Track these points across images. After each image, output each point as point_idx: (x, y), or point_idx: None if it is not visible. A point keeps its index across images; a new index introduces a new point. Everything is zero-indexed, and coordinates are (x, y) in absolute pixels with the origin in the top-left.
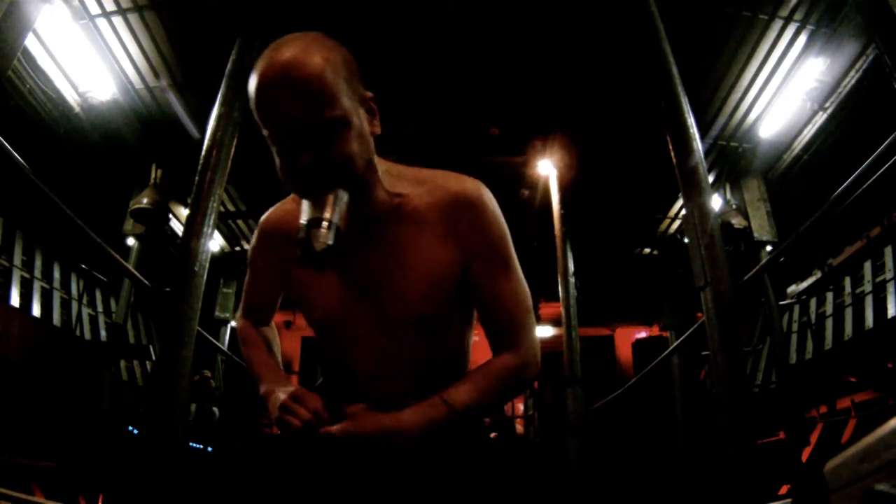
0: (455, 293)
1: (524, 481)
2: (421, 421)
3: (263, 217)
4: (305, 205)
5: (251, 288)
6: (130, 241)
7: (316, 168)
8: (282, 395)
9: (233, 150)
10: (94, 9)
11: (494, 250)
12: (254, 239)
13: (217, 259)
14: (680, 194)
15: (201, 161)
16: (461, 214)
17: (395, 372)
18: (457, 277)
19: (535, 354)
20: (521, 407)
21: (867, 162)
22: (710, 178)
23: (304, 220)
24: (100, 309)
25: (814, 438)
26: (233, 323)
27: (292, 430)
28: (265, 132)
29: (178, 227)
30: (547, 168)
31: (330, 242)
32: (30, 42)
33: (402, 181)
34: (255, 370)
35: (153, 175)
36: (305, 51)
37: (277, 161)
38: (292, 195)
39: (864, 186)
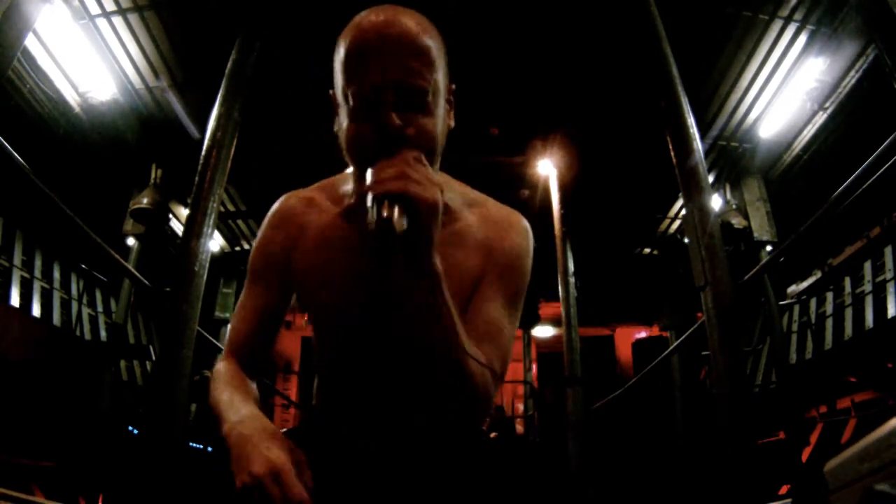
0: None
1: (524, 481)
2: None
3: (278, 203)
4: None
5: (251, 304)
6: (130, 241)
7: (402, 134)
8: (256, 447)
9: (233, 150)
10: (94, 9)
11: (509, 277)
12: (265, 228)
13: (217, 259)
14: (680, 194)
15: (201, 161)
16: (499, 233)
17: (390, 375)
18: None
19: (488, 390)
20: (521, 407)
21: (867, 162)
22: (710, 178)
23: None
24: (100, 309)
25: (814, 438)
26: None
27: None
28: (346, 89)
29: (178, 227)
30: (547, 168)
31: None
32: (30, 42)
33: (453, 194)
34: (221, 408)
35: (153, 175)
36: (416, 15)
37: (347, 124)
38: (314, 185)
39: (864, 186)
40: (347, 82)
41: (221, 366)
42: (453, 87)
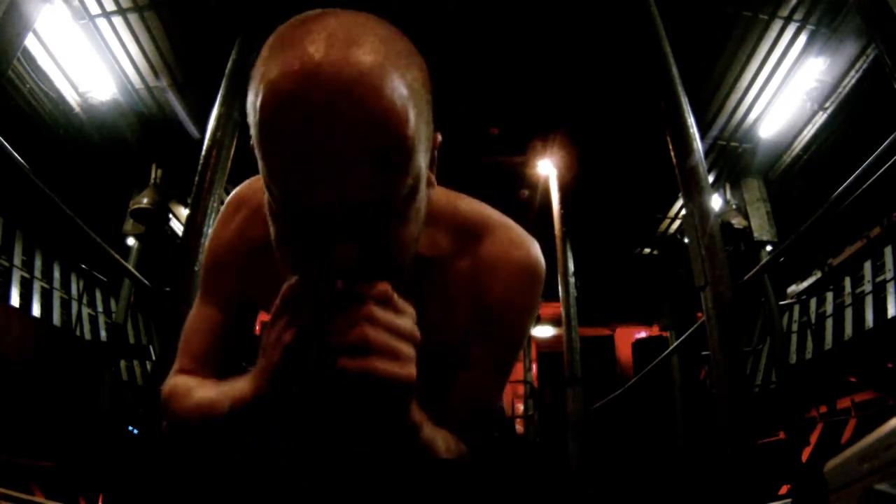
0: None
1: (524, 481)
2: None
3: (232, 193)
4: None
5: (206, 315)
6: (130, 241)
7: (357, 267)
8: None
9: (233, 150)
10: (94, 9)
11: (503, 339)
12: (222, 230)
13: None
14: (680, 194)
15: (201, 161)
16: (498, 284)
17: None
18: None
19: (461, 452)
20: (520, 407)
21: (867, 162)
22: (710, 178)
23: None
24: (100, 309)
25: (814, 438)
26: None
27: (288, 350)
28: (267, 182)
29: (178, 227)
30: (547, 168)
31: None
32: (30, 42)
33: (437, 228)
34: (204, 408)
35: (153, 175)
36: (380, 41)
37: (273, 232)
38: None
39: (864, 186)
40: (271, 179)
41: (177, 380)
42: (439, 137)
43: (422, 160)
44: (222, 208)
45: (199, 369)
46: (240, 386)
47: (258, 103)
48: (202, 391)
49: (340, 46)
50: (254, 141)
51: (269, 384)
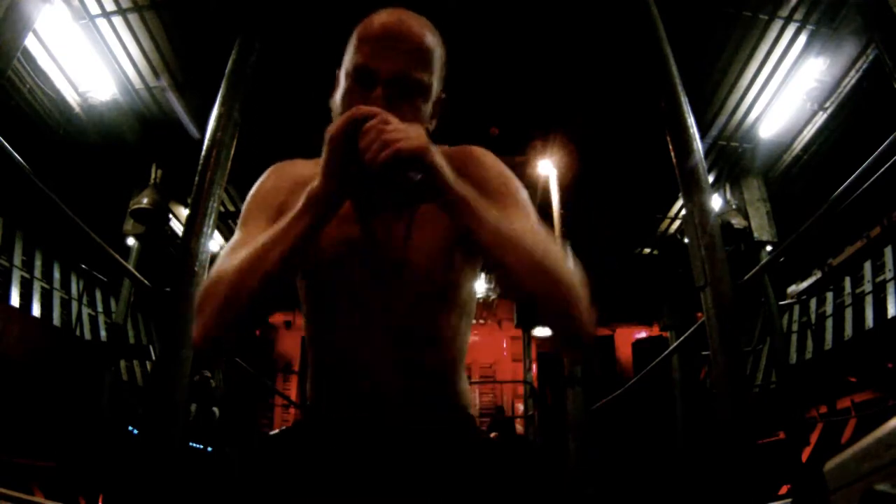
0: (460, 263)
1: (524, 481)
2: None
3: (278, 163)
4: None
5: (251, 236)
6: (130, 241)
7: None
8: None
9: (233, 150)
10: (94, 9)
11: (508, 192)
12: (263, 178)
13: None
14: (680, 194)
15: (201, 161)
16: (469, 164)
17: (390, 360)
18: (460, 241)
19: (570, 265)
20: (520, 407)
21: (867, 162)
22: (710, 178)
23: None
24: (100, 309)
25: (814, 438)
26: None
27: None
28: (350, 68)
29: (178, 227)
30: (547, 168)
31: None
32: (30, 42)
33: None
34: (261, 242)
35: (153, 175)
36: (425, 21)
37: (342, 93)
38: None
39: (864, 186)
40: (353, 63)
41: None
42: (444, 96)
43: (434, 83)
44: (265, 172)
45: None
46: (307, 193)
47: (359, 31)
48: (255, 242)
49: (403, 16)
50: (347, 56)
51: (331, 174)
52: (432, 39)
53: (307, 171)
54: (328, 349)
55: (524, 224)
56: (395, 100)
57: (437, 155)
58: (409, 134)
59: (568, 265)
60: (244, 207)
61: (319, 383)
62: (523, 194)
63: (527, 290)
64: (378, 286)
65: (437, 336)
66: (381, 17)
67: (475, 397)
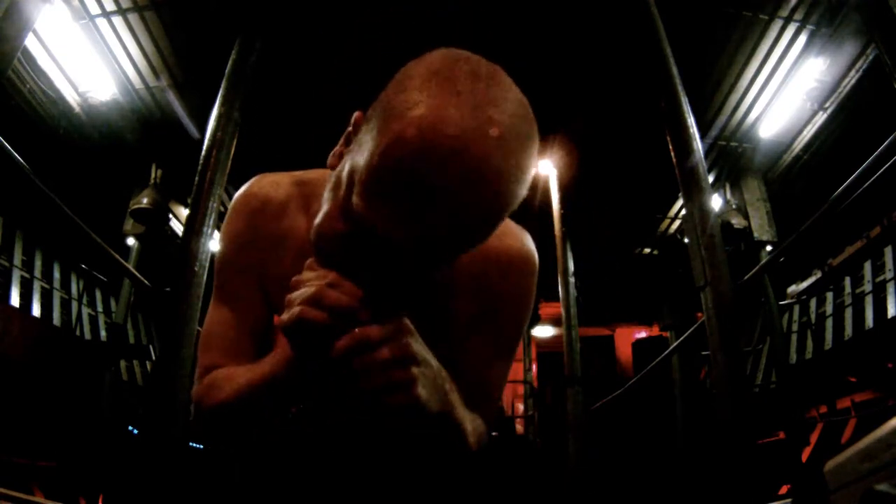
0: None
1: (524, 481)
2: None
3: (249, 192)
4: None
5: (227, 313)
6: (130, 241)
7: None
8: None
9: (233, 150)
10: (94, 9)
11: (507, 325)
12: (234, 220)
13: None
14: (680, 194)
15: (201, 161)
16: (494, 275)
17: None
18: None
19: (481, 443)
20: (520, 407)
21: (867, 162)
22: (710, 178)
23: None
24: (100, 309)
25: (814, 438)
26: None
27: (313, 328)
28: (382, 154)
29: (178, 227)
30: (547, 168)
31: None
32: (30, 42)
33: None
34: (246, 384)
35: (153, 175)
36: (534, 138)
37: (359, 202)
38: (295, 176)
39: (864, 186)
40: (381, 209)
41: (215, 374)
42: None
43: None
44: (230, 207)
45: (229, 362)
46: (268, 362)
47: (389, 149)
48: (241, 374)
49: (482, 122)
50: (365, 174)
51: (287, 368)
52: (525, 183)
53: (291, 223)
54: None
55: (485, 366)
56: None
57: (456, 410)
58: (431, 385)
59: (473, 437)
60: (217, 264)
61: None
62: (517, 332)
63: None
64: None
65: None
66: (439, 133)
67: None
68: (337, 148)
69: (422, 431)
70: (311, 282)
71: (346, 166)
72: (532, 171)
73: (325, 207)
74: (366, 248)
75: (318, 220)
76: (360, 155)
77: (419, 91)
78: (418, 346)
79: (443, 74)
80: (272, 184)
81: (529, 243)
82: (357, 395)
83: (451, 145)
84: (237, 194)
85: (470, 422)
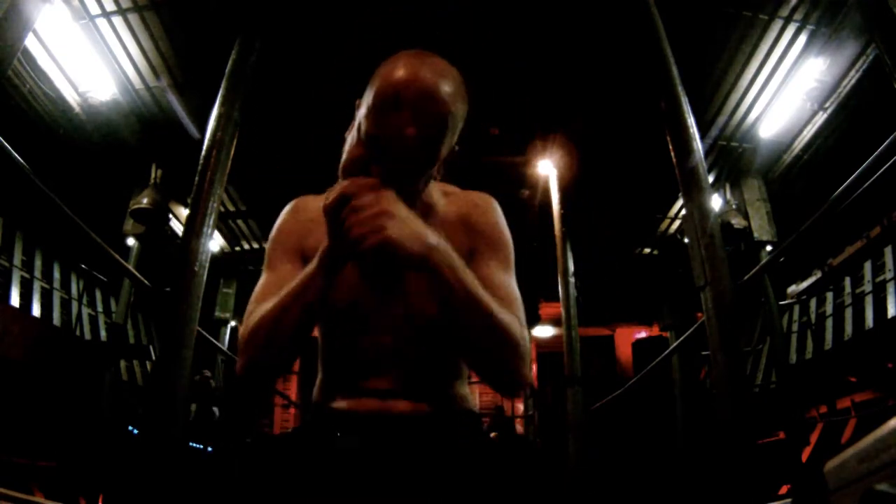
0: None
1: (524, 481)
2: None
3: (294, 201)
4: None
5: (274, 281)
6: (130, 241)
7: (407, 143)
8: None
9: (233, 150)
10: (94, 9)
11: (496, 246)
12: (281, 218)
13: (217, 259)
14: (680, 194)
15: (201, 161)
16: (473, 212)
17: (397, 365)
18: None
19: (521, 331)
20: (520, 407)
21: (867, 162)
22: (710, 178)
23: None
24: (100, 309)
25: (814, 438)
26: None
27: (342, 200)
28: (374, 94)
29: (178, 227)
30: (547, 168)
31: None
32: (30, 42)
33: (433, 193)
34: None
35: (153, 175)
36: (452, 79)
37: (366, 126)
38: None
39: (864, 186)
40: (364, 128)
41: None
42: (457, 149)
43: (452, 140)
44: (283, 214)
45: None
46: (319, 253)
47: (379, 90)
48: (280, 293)
49: (423, 69)
50: (369, 101)
51: (333, 240)
52: (455, 101)
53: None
54: (339, 362)
55: (495, 278)
56: (402, 168)
57: (439, 252)
58: (405, 230)
59: (517, 327)
60: (268, 249)
61: (327, 379)
62: (508, 251)
63: (473, 345)
64: (387, 321)
65: (441, 364)
66: (402, 72)
67: (475, 397)
68: (351, 126)
69: (441, 309)
70: (337, 185)
71: (357, 122)
72: (457, 97)
73: (347, 148)
74: (373, 158)
75: (344, 157)
76: (363, 108)
77: (389, 67)
78: (392, 206)
79: (400, 58)
80: (310, 197)
81: (491, 198)
82: (350, 245)
83: (406, 81)
84: (287, 207)
85: (493, 301)
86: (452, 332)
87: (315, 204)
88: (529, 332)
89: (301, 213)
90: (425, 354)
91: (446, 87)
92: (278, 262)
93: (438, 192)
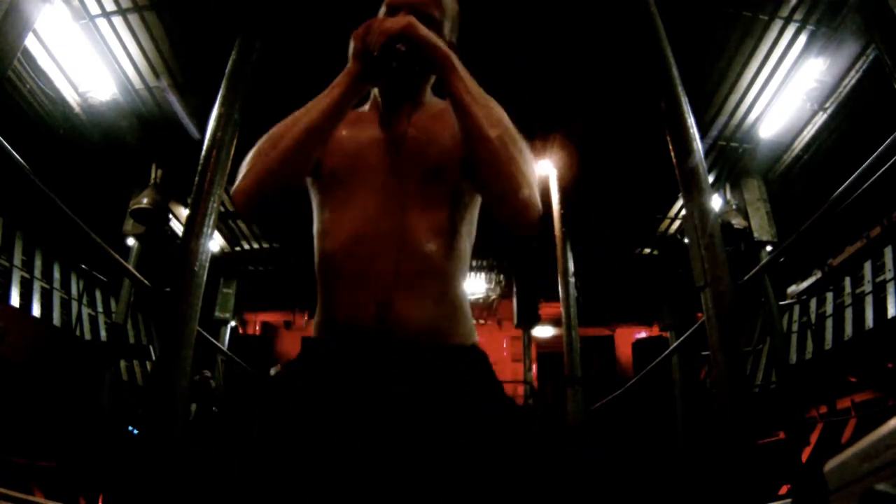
0: (460, 174)
1: (524, 481)
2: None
3: None
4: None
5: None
6: (130, 241)
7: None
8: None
9: (233, 150)
10: (94, 9)
11: None
12: None
13: (217, 259)
14: (680, 194)
15: (201, 161)
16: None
17: (390, 239)
18: (461, 158)
19: (532, 168)
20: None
21: (867, 162)
22: (710, 178)
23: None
24: (100, 309)
25: (814, 438)
26: (233, 324)
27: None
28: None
29: (178, 227)
30: (547, 168)
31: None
32: (30, 42)
33: (437, 102)
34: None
35: (153, 175)
36: None
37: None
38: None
39: (864, 186)
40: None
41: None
42: (455, 42)
43: (447, 24)
44: None
45: None
46: (342, 73)
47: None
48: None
49: None
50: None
51: (357, 58)
52: None
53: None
54: (338, 241)
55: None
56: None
57: (423, 28)
58: (397, 20)
59: (520, 139)
60: None
61: (326, 295)
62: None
63: (485, 138)
64: (391, 169)
65: (442, 234)
66: None
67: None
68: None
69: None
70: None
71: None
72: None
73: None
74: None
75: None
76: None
77: None
78: (414, 21)
79: None
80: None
81: None
82: (378, 40)
83: None
84: None
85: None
86: (469, 144)
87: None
88: (529, 333)
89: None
90: (429, 236)
91: None
92: None
93: (436, 98)
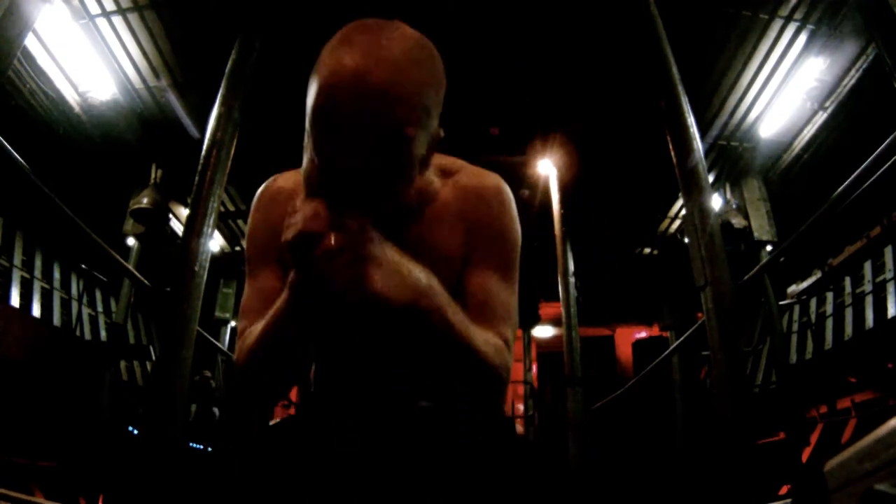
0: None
1: (524, 481)
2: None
3: (265, 185)
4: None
5: (256, 290)
6: (130, 241)
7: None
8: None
9: (233, 150)
10: (94, 9)
11: (498, 247)
12: (252, 212)
13: (217, 259)
14: (680, 194)
15: (201, 161)
16: (476, 206)
17: (390, 361)
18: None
19: (504, 360)
20: (520, 407)
21: (867, 162)
22: (710, 178)
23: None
24: (100, 309)
25: (814, 438)
26: (233, 324)
27: (302, 239)
28: (308, 140)
29: (178, 227)
30: (547, 168)
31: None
32: (30, 42)
33: (430, 176)
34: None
35: (153, 175)
36: (406, 51)
37: (306, 162)
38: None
39: (864, 186)
40: (313, 140)
41: (249, 330)
42: (441, 133)
43: (431, 125)
44: (252, 211)
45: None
46: (278, 301)
47: (313, 101)
48: (262, 321)
49: (373, 59)
50: (307, 123)
51: (292, 293)
52: (416, 81)
53: (296, 199)
54: (333, 358)
55: (491, 288)
56: (367, 191)
57: (427, 297)
58: (392, 280)
59: (502, 357)
60: (246, 254)
61: (323, 372)
62: (510, 252)
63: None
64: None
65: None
66: (339, 71)
67: None
68: None
69: (410, 332)
70: (300, 209)
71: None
72: (424, 84)
73: (304, 160)
74: (326, 179)
75: (302, 168)
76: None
77: (327, 55)
78: (373, 247)
79: (343, 37)
80: (282, 178)
81: (500, 179)
82: (329, 296)
83: (346, 82)
84: (256, 193)
85: (479, 334)
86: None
87: (288, 185)
88: (529, 333)
89: (271, 208)
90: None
91: (407, 79)
92: (258, 270)
93: (437, 174)
